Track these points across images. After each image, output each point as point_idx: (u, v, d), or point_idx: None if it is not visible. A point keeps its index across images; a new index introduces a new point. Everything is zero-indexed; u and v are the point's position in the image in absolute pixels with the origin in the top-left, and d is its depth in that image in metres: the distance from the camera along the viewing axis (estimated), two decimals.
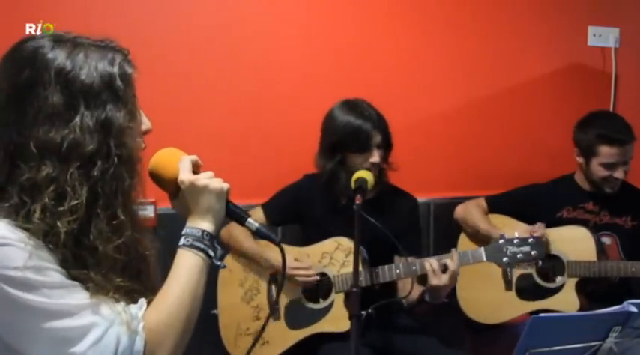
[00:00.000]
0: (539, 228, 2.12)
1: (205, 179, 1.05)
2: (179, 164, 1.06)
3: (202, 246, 1.03)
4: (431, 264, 1.84)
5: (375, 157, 1.96)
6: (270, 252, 2.03)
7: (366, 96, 2.07)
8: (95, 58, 0.96)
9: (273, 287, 2.08)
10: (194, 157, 1.08)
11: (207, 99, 2.41)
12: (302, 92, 2.53)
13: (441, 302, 1.94)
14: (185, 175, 1.05)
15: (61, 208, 0.90)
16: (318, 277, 2.01)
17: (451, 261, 1.84)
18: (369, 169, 1.94)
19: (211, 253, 1.04)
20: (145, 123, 1.05)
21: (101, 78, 0.96)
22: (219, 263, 1.05)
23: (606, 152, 2.17)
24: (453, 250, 1.89)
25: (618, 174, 2.18)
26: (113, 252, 0.94)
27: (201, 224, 1.04)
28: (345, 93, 2.10)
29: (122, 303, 0.94)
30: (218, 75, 2.45)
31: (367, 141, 1.96)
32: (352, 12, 2.57)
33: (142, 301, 0.97)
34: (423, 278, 1.95)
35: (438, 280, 1.83)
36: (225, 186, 1.07)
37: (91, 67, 0.95)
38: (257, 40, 2.48)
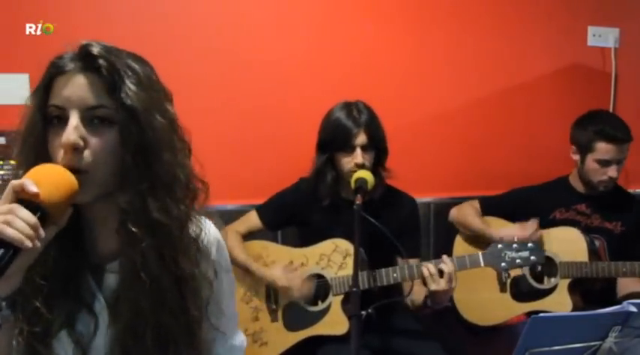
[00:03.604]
0: (533, 224, 2.14)
1: None
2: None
3: None
4: (428, 268, 1.85)
5: (358, 158, 1.94)
6: (262, 267, 2.04)
7: (365, 97, 2.07)
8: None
9: (272, 290, 2.08)
10: (18, 182, 0.85)
11: (205, 101, 2.42)
12: (301, 93, 2.53)
13: (442, 307, 1.94)
14: None
15: None
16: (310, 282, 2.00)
17: (445, 264, 1.85)
18: (354, 170, 1.94)
19: None
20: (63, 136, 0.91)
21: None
22: None
23: (603, 148, 2.19)
24: (444, 256, 1.88)
25: (612, 172, 2.20)
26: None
27: None
28: (344, 94, 2.11)
29: None
30: (216, 76, 2.45)
31: (349, 140, 1.95)
32: (353, 13, 2.57)
33: None
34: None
35: (437, 285, 1.83)
36: None
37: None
38: (256, 41, 2.48)
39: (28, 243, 0.81)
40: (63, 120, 0.92)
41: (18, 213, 0.82)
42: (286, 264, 2.06)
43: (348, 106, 2.02)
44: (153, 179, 0.95)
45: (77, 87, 0.93)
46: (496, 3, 2.72)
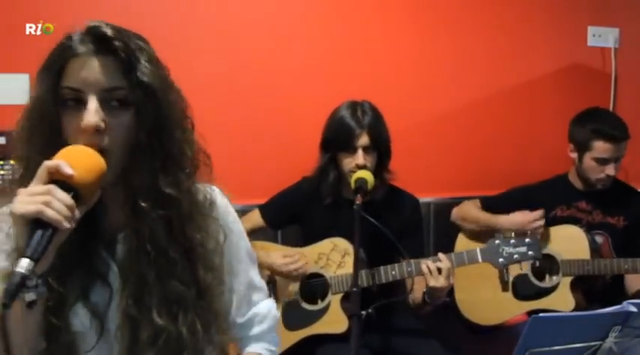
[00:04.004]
0: (537, 215, 2.18)
1: (21, 195, 0.84)
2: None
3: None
4: (427, 265, 1.85)
5: (359, 159, 1.94)
6: (264, 257, 2.03)
7: (366, 97, 2.07)
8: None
9: (271, 291, 2.07)
10: (53, 163, 0.86)
11: (207, 99, 2.41)
12: (302, 92, 2.53)
13: (441, 302, 1.95)
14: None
15: None
16: (308, 268, 2.02)
17: (441, 261, 1.85)
18: (354, 171, 1.94)
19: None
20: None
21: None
22: (24, 296, 0.84)
23: (600, 147, 2.19)
24: (440, 254, 1.89)
25: (609, 170, 2.20)
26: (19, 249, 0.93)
27: None
28: (345, 93, 2.11)
29: None
30: (218, 75, 2.45)
31: (351, 140, 1.95)
32: (354, 12, 2.57)
33: None
34: None
35: (436, 281, 1.83)
36: (20, 209, 0.83)
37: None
38: (258, 40, 2.48)
39: (66, 224, 0.84)
40: (79, 103, 0.93)
41: (56, 194, 0.84)
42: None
43: (353, 106, 2.02)
44: (165, 156, 0.98)
45: (93, 69, 0.93)
46: (496, 3, 2.72)
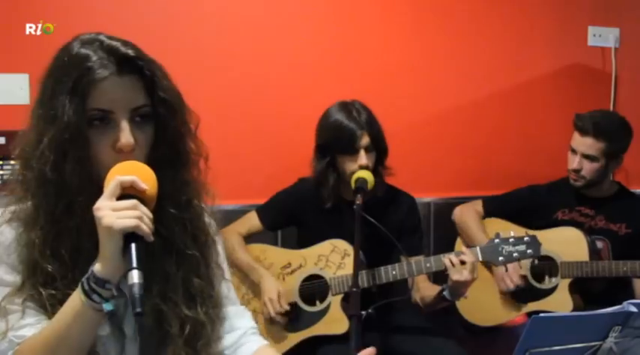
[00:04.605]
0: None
1: (104, 210, 0.88)
2: (107, 184, 0.91)
3: (86, 286, 0.91)
4: (450, 259, 1.83)
5: (363, 160, 1.93)
6: (262, 270, 2.03)
7: (364, 97, 2.07)
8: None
9: None
10: (128, 178, 0.90)
11: (203, 100, 2.40)
12: (300, 93, 2.53)
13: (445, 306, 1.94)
14: (99, 201, 0.90)
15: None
16: (281, 315, 1.98)
17: (465, 255, 1.83)
18: (355, 172, 1.93)
19: (94, 297, 0.90)
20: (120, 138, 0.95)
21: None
22: (102, 307, 0.91)
23: (574, 135, 2.23)
24: (464, 248, 1.87)
25: (572, 161, 2.22)
26: (42, 261, 0.96)
27: (96, 261, 0.91)
28: (343, 94, 2.11)
29: (18, 317, 0.96)
30: (215, 76, 2.45)
31: (353, 142, 1.94)
32: (349, 13, 2.57)
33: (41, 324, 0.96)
34: (438, 278, 1.95)
35: (459, 275, 1.81)
36: (120, 224, 0.86)
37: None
38: (255, 40, 2.48)
39: (152, 238, 0.89)
40: (104, 121, 0.96)
41: (142, 209, 0.89)
42: (284, 265, 2.06)
43: (346, 107, 2.00)
44: (182, 165, 1.05)
45: (121, 90, 0.96)
46: (496, 3, 2.72)
